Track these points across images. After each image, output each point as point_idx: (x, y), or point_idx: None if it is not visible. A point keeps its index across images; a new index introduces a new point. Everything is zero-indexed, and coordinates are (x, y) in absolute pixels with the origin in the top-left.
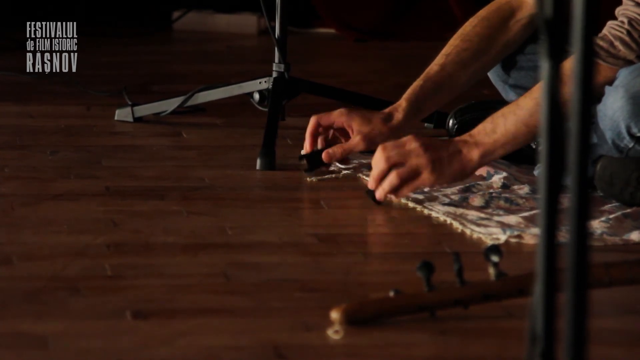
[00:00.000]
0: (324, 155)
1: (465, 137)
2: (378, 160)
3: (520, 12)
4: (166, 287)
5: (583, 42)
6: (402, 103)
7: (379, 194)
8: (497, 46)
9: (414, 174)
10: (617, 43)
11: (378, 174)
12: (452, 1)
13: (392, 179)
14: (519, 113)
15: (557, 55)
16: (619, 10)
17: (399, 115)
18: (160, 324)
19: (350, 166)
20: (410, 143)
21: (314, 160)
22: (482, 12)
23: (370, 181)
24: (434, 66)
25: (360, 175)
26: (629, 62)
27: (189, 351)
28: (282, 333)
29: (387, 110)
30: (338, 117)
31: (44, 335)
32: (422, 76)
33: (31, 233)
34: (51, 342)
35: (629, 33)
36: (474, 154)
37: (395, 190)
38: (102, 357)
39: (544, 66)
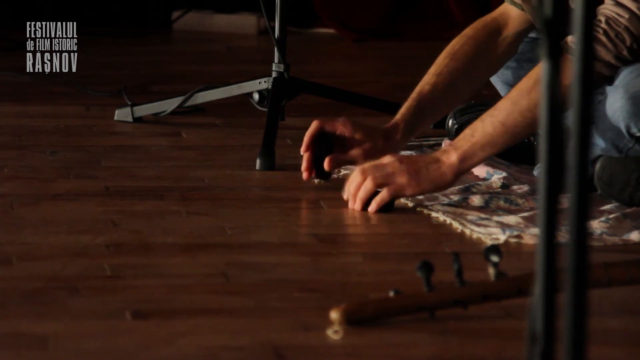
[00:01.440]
0: (326, 164)
1: (445, 147)
2: (354, 176)
3: (507, 30)
4: (166, 287)
5: (583, 42)
6: (400, 123)
7: (357, 205)
8: (486, 64)
9: (389, 181)
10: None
11: (355, 187)
12: (452, 1)
13: (366, 184)
14: (495, 114)
15: (557, 55)
16: (599, 9)
17: (397, 136)
18: (160, 324)
19: (351, 166)
20: (387, 159)
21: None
22: (469, 31)
23: (349, 200)
24: (425, 85)
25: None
26: (606, 64)
27: (188, 351)
28: (281, 333)
29: (386, 127)
30: (342, 125)
31: (44, 335)
32: (415, 95)
33: (31, 233)
34: (51, 342)
35: (605, 32)
36: (453, 158)
37: (367, 194)
38: (102, 357)
39: (544, 66)
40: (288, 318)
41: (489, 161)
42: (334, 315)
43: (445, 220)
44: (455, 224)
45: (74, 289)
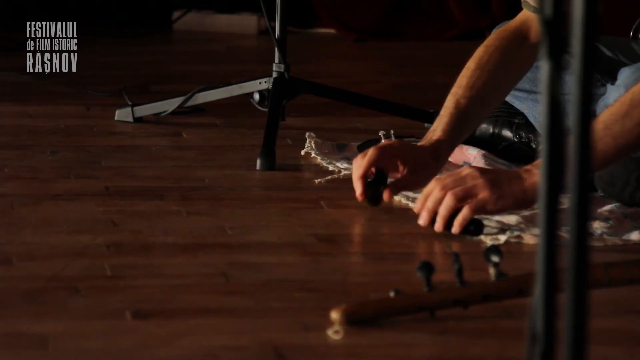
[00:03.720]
0: (385, 195)
1: (526, 167)
2: (432, 189)
3: (530, 37)
4: (166, 287)
5: (583, 42)
6: (444, 140)
7: (439, 224)
8: (514, 74)
9: (470, 195)
10: None
11: (434, 203)
12: (452, 1)
13: (447, 200)
14: None
15: (557, 55)
16: None
17: (444, 153)
18: (160, 324)
19: (351, 167)
20: (466, 170)
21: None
22: (494, 41)
23: (424, 214)
24: (461, 99)
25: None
26: None
27: (188, 351)
28: (282, 333)
29: (431, 145)
30: (400, 149)
31: (44, 335)
32: (453, 110)
33: (31, 233)
34: (51, 342)
35: None
36: (536, 177)
37: (449, 211)
38: (102, 357)
39: (544, 66)
40: (288, 318)
41: (489, 161)
42: (334, 315)
43: None
44: None
45: (74, 289)
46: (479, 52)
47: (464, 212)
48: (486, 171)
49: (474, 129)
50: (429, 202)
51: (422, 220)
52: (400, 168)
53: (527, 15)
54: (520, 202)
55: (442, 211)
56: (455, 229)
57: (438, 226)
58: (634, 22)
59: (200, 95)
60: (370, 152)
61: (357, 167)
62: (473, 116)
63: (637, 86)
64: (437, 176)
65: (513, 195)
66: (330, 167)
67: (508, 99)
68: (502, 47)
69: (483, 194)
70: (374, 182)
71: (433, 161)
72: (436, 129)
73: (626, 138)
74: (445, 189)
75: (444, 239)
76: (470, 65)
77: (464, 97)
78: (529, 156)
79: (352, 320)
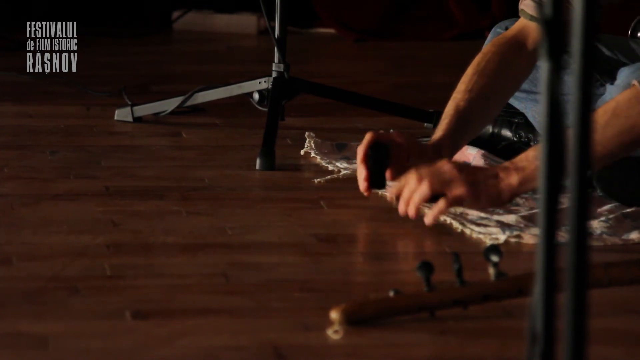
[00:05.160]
0: (388, 175)
1: (505, 163)
2: (410, 180)
3: (528, 44)
4: (166, 287)
5: (583, 42)
6: (446, 140)
7: (411, 209)
8: (512, 80)
9: (446, 189)
10: None
11: (409, 192)
12: (452, 1)
13: (422, 189)
14: None
15: (557, 55)
16: None
17: (445, 149)
18: (160, 324)
19: (351, 166)
20: (444, 165)
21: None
22: (492, 48)
23: (401, 204)
24: (460, 102)
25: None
26: None
27: (188, 351)
28: (281, 333)
29: (433, 143)
30: (397, 137)
31: (44, 335)
32: (453, 112)
33: (31, 233)
34: (51, 342)
35: None
36: (513, 179)
37: (423, 200)
38: (102, 357)
39: (544, 66)
40: (288, 318)
41: (488, 161)
42: (334, 315)
43: (445, 220)
44: (455, 224)
45: (74, 289)
46: (477, 59)
47: (440, 205)
48: (463, 168)
49: (476, 130)
50: (405, 191)
51: (400, 209)
52: (403, 154)
53: (525, 24)
54: (495, 201)
55: (416, 198)
56: (429, 219)
57: (410, 210)
58: (632, 21)
59: (200, 95)
60: (369, 134)
61: (362, 143)
62: (474, 116)
63: (622, 95)
64: (415, 168)
65: (488, 195)
66: (330, 167)
67: None
68: (499, 54)
69: (459, 190)
70: (376, 162)
71: (434, 155)
72: (437, 131)
73: (605, 147)
74: (421, 179)
75: (444, 238)
76: (469, 71)
77: (463, 99)
78: None
79: (352, 320)
